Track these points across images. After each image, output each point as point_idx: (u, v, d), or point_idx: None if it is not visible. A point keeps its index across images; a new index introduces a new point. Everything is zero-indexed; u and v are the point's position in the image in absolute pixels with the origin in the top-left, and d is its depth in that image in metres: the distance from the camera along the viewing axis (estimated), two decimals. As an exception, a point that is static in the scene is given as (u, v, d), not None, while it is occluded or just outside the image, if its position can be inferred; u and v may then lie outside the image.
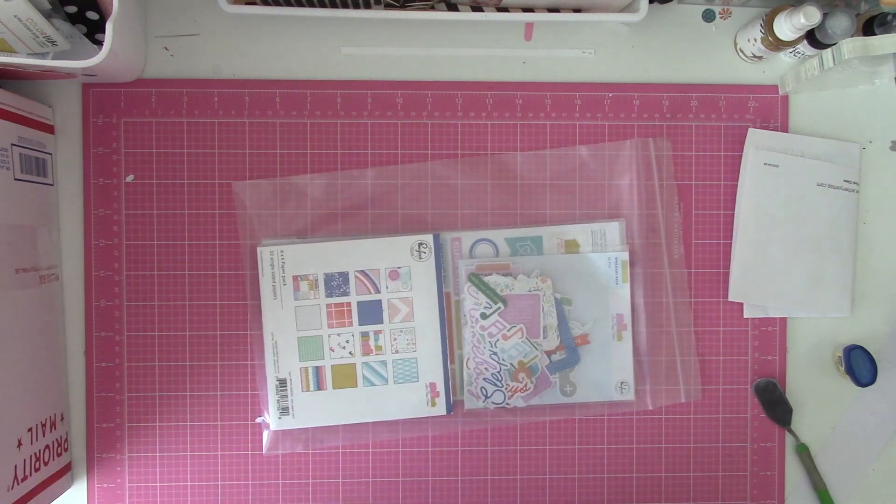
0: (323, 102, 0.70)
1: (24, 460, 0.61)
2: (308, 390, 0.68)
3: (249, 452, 0.70)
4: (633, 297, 0.70)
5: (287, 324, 0.68)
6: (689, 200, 0.72)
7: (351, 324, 0.68)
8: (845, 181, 0.72)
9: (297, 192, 0.70)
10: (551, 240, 0.70)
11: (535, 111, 0.72)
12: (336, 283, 0.68)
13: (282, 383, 0.68)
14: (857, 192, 0.72)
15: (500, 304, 0.68)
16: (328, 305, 0.68)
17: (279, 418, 0.68)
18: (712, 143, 0.73)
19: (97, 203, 0.69)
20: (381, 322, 0.69)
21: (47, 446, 0.65)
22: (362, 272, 0.68)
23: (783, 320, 0.73)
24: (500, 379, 0.69)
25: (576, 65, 0.72)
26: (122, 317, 0.70)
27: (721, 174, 0.73)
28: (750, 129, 0.72)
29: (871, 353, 0.71)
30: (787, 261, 0.71)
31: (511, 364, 0.69)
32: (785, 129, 0.73)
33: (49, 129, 0.68)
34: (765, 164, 0.71)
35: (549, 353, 0.69)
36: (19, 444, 0.61)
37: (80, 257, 0.70)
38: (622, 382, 0.70)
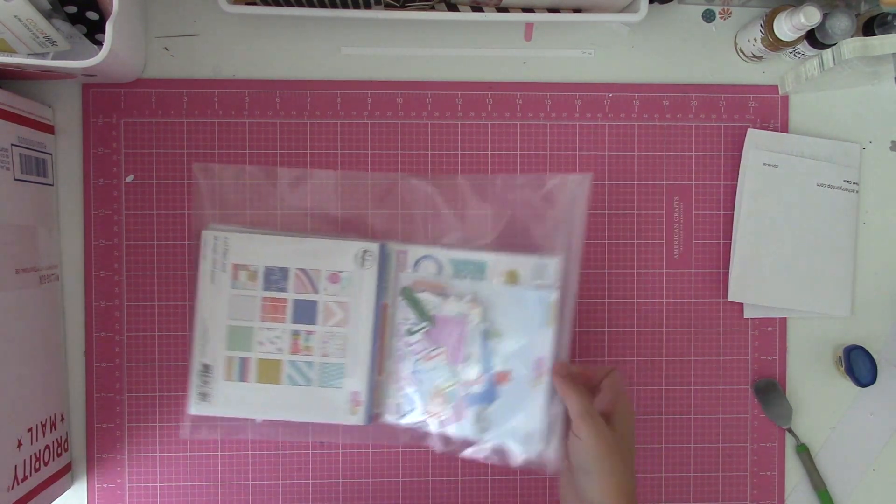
0: (323, 102, 0.70)
1: (24, 460, 0.61)
2: (231, 380, 0.67)
3: (249, 452, 0.70)
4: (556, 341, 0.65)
5: (220, 310, 0.67)
6: (689, 200, 0.72)
7: (284, 320, 0.67)
8: (845, 181, 0.72)
9: (259, 187, 0.69)
10: (495, 267, 0.66)
11: (535, 111, 0.72)
12: (275, 278, 0.67)
13: (206, 368, 0.67)
14: (857, 192, 0.72)
15: (426, 323, 0.67)
16: (264, 298, 0.67)
17: (197, 403, 0.67)
18: (712, 143, 0.73)
19: (97, 203, 0.69)
20: (315, 323, 0.67)
21: (47, 446, 0.65)
22: (303, 270, 0.67)
23: (783, 320, 0.73)
24: (418, 399, 0.67)
25: (576, 65, 0.72)
26: (122, 317, 0.70)
27: (721, 174, 0.73)
28: (750, 130, 0.72)
29: (871, 353, 0.71)
30: (787, 261, 0.71)
31: (429, 386, 0.67)
32: (785, 129, 0.73)
33: (49, 129, 0.68)
34: (764, 164, 0.71)
35: (467, 384, 0.66)
36: (19, 445, 0.61)
37: (80, 257, 0.70)
38: (530, 433, 0.64)
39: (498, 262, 0.66)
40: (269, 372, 0.67)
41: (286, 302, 0.67)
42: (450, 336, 0.66)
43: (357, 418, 0.67)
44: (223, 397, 0.67)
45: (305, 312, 0.67)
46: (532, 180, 0.69)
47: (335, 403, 0.67)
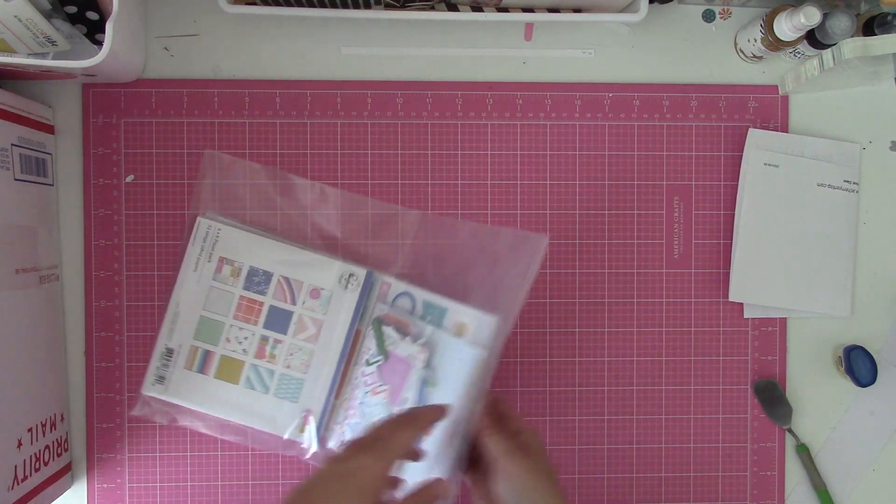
0: (323, 102, 0.70)
1: (24, 460, 0.61)
2: (190, 369, 0.67)
3: (249, 452, 0.70)
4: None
5: (196, 299, 0.67)
6: (689, 200, 0.72)
7: (256, 323, 0.67)
8: (845, 181, 0.72)
9: (262, 186, 0.69)
10: (451, 316, 0.66)
11: (535, 111, 0.72)
12: (257, 280, 0.67)
13: (168, 352, 0.67)
14: (857, 192, 0.72)
15: (381, 357, 0.66)
16: (241, 297, 0.67)
17: (152, 384, 0.67)
18: (712, 143, 0.73)
19: (97, 203, 0.69)
20: (286, 333, 0.67)
21: (47, 446, 0.65)
22: (286, 279, 0.67)
23: (783, 320, 0.73)
24: (358, 430, 0.65)
25: (576, 65, 0.72)
26: (122, 317, 0.70)
27: (721, 174, 0.73)
28: (750, 130, 0.72)
29: (871, 353, 0.71)
30: (787, 261, 0.71)
31: (369, 421, 0.66)
32: (785, 129, 0.73)
33: (49, 129, 0.68)
34: (765, 164, 0.71)
35: None
36: (19, 445, 0.61)
37: (80, 257, 0.70)
38: None
39: (456, 311, 0.66)
40: (230, 370, 0.67)
41: (262, 305, 0.67)
42: (396, 375, 0.66)
43: (304, 437, 0.67)
44: (179, 385, 0.67)
45: (278, 320, 0.67)
46: (492, 233, 0.68)
47: (286, 417, 0.67)
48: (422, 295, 0.67)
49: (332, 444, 0.68)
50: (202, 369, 0.67)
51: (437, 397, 0.65)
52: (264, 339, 0.67)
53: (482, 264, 0.67)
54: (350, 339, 0.67)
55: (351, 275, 0.67)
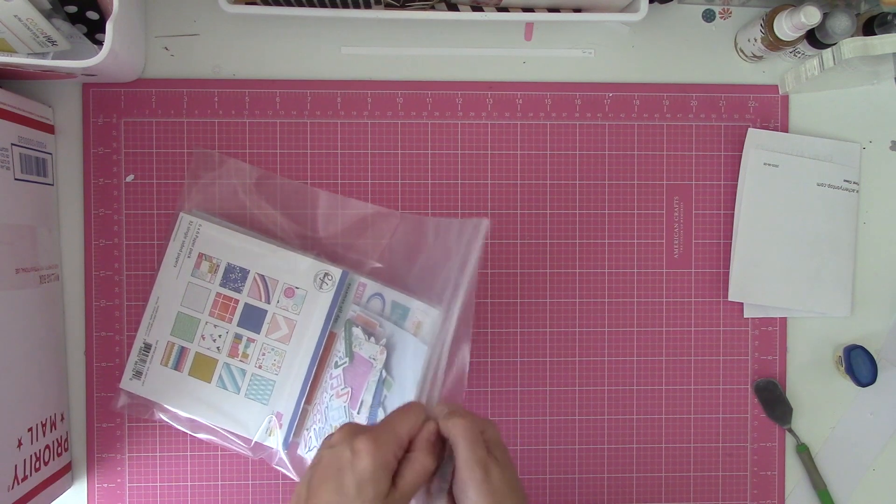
0: (323, 102, 0.70)
1: (24, 460, 0.61)
2: (166, 365, 0.67)
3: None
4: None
5: (175, 294, 0.67)
6: (689, 200, 0.72)
7: (230, 321, 0.67)
8: (845, 181, 0.72)
9: (251, 186, 0.69)
10: (414, 315, 0.65)
11: (535, 111, 0.72)
12: (234, 277, 0.67)
13: (146, 347, 0.67)
14: (857, 192, 0.72)
15: (347, 359, 0.66)
16: (218, 294, 0.67)
17: (129, 379, 0.67)
18: (712, 143, 0.73)
19: (97, 203, 0.69)
20: (259, 332, 0.67)
21: (47, 446, 0.65)
22: (262, 277, 0.67)
23: (783, 320, 0.73)
24: (323, 436, 0.65)
25: (576, 65, 0.72)
26: (122, 317, 0.70)
27: (721, 174, 0.73)
28: (750, 129, 0.72)
29: (871, 353, 0.71)
30: (787, 261, 0.71)
31: (331, 426, 0.65)
32: (785, 129, 0.73)
33: (49, 129, 0.68)
34: (765, 164, 0.71)
35: None
36: (19, 444, 0.61)
37: (80, 257, 0.70)
38: None
39: (416, 309, 0.65)
40: (203, 368, 0.67)
41: (237, 303, 0.67)
42: (357, 377, 0.65)
43: (272, 441, 0.67)
44: (154, 380, 0.67)
45: (252, 319, 0.67)
46: (446, 225, 0.64)
47: (256, 419, 0.67)
48: (391, 295, 0.67)
49: (302, 450, 0.67)
50: (177, 366, 0.67)
51: (390, 400, 0.64)
52: (238, 337, 0.67)
53: (439, 258, 0.65)
54: (322, 342, 0.67)
55: (326, 274, 0.66)
